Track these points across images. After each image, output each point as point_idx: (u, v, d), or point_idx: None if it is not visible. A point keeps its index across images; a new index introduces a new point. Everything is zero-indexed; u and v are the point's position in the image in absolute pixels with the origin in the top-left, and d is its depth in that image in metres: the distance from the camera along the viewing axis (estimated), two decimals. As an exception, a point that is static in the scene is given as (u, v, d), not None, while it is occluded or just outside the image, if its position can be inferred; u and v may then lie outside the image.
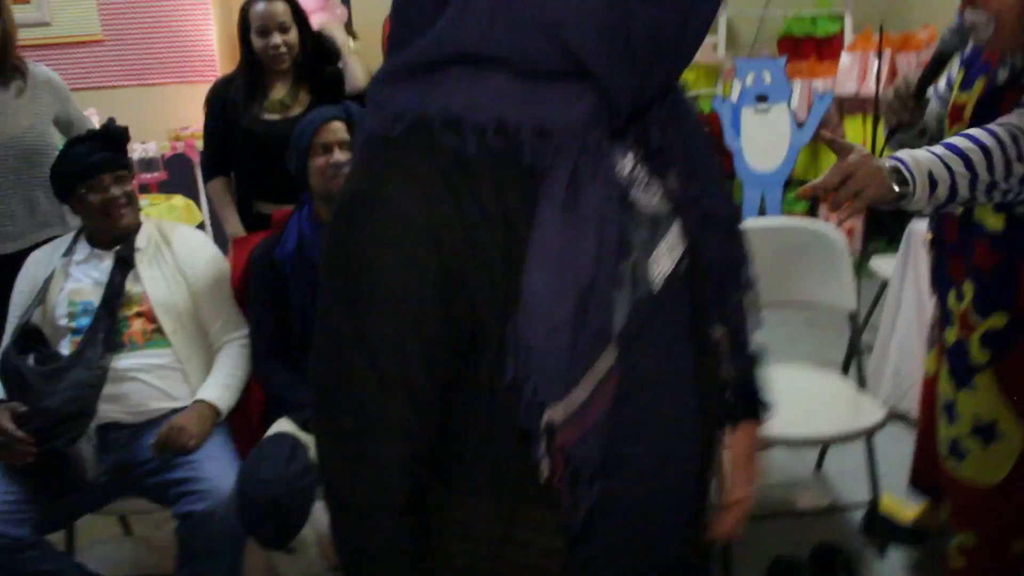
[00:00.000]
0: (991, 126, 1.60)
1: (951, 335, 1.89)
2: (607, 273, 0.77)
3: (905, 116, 1.81)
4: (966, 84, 1.82)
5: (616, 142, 0.83)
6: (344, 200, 0.81)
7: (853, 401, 2.51)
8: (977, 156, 1.57)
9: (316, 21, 4.98)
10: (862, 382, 2.64)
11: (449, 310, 0.79)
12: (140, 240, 2.28)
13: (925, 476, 2.40)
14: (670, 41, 0.78)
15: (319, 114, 2.29)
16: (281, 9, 2.74)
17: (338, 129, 2.26)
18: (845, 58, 4.96)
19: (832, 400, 2.53)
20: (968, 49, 1.85)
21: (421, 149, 0.76)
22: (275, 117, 2.80)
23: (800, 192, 1.59)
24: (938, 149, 1.58)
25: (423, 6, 0.79)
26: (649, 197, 0.86)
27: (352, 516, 0.89)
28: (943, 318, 1.95)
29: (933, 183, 1.55)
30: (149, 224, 2.34)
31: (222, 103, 2.85)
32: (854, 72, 4.89)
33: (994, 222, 1.75)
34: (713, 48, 5.27)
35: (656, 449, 0.89)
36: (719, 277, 0.94)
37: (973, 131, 1.61)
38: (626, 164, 0.84)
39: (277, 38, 2.73)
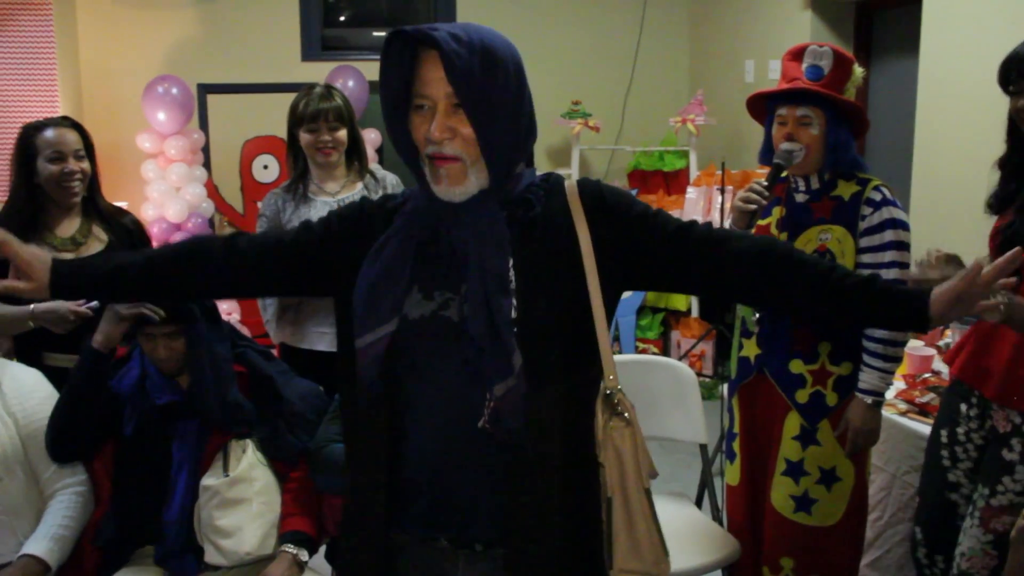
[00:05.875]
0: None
1: (802, 396, 2.33)
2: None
3: (763, 201, 2.31)
4: (765, 214, 2.43)
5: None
6: None
7: (708, 534, 2.56)
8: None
9: (173, 146, 4.93)
10: (716, 512, 2.69)
11: None
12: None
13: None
14: None
15: None
16: (74, 137, 2.55)
17: None
18: (691, 192, 5.25)
19: (689, 533, 2.55)
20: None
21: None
22: (67, 256, 2.49)
23: None
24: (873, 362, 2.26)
25: None
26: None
27: None
28: (796, 382, 2.35)
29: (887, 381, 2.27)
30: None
31: None
32: (700, 205, 5.16)
33: None
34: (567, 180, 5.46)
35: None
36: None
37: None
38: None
39: (73, 164, 2.53)
